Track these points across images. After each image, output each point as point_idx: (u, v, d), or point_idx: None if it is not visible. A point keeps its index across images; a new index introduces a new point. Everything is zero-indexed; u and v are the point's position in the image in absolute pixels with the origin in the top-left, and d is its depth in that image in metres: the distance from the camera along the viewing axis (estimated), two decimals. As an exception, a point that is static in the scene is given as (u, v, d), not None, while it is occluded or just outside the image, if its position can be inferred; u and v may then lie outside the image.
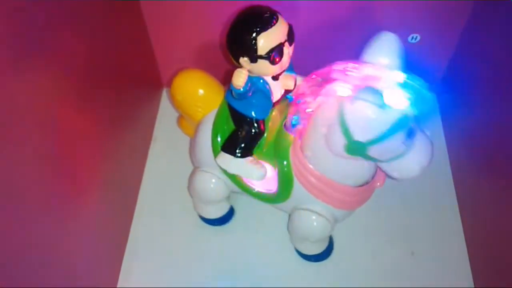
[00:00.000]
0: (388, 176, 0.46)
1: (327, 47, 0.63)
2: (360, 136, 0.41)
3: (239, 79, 0.44)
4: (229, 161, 0.50)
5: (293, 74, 0.49)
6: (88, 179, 0.50)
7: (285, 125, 0.49)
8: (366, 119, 0.39)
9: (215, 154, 0.52)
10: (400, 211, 0.62)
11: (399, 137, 0.41)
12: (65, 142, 0.45)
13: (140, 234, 0.61)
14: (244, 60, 0.44)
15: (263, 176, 0.50)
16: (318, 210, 0.51)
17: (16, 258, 0.38)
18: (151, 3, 0.63)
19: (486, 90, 0.56)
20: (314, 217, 0.51)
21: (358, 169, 0.48)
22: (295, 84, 0.48)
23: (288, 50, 0.44)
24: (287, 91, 0.49)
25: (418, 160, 0.43)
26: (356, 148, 0.42)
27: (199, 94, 0.53)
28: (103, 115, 0.53)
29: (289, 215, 0.55)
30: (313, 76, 0.43)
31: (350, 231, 0.60)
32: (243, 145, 0.49)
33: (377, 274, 0.57)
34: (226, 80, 0.55)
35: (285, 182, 0.50)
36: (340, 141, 0.42)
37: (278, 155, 0.50)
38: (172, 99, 0.55)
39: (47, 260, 0.43)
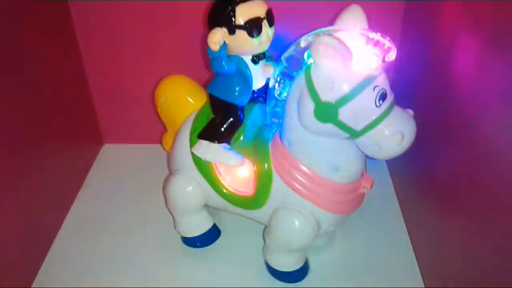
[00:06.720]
0: (371, 157, 0.42)
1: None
2: (328, 95, 0.39)
3: (215, 36, 0.44)
4: (205, 148, 0.49)
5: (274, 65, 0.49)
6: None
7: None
8: (331, 76, 0.39)
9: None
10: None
11: (369, 94, 0.39)
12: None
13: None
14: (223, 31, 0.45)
15: (240, 161, 0.49)
16: (298, 209, 0.46)
17: None
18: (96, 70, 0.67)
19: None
20: (295, 214, 0.46)
21: (342, 156, 0.44)
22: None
23: (267, 30, 0.45)
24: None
25: (396, 128, 0.39)
26: (326, 112, 0.40)
27: (183, 96, 0.54)
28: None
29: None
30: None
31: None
32: (220, 130, 0.48)
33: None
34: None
35: (264, 179, 0.48)
36: (309, 107, 0.41)
37: (258, 151, 0.48)
38: (156, 103, 0.56)
39: None
